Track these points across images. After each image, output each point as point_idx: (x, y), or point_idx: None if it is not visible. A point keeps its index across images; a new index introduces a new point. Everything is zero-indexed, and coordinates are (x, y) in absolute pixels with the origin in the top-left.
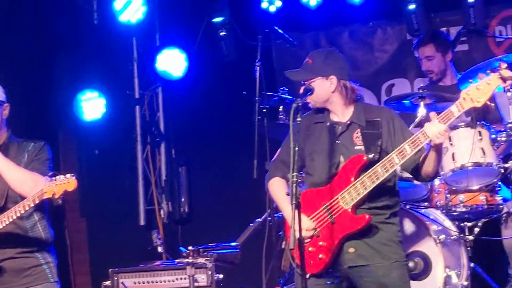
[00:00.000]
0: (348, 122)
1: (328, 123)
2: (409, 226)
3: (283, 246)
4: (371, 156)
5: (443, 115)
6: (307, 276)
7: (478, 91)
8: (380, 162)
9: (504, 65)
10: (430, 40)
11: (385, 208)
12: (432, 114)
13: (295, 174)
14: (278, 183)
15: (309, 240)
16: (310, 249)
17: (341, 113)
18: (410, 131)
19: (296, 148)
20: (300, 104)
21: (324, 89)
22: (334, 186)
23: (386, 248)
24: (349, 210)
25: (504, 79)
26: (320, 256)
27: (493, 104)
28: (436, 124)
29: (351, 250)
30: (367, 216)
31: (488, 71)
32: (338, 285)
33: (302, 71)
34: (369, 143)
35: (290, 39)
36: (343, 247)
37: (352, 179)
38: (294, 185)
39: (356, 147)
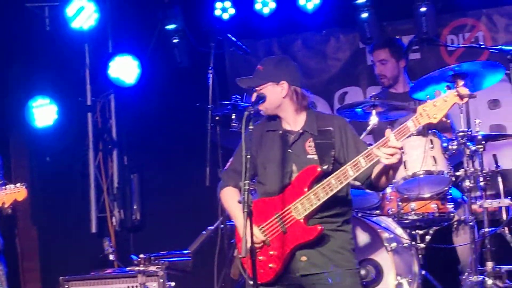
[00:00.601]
0: (301, 131)
1: (281, 132)
2: (360, 234)
3: (235, 254)
4: (325, 167)
5: (399, 131)
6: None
7: (434, 108)
8: (335, 174)
9: (461, 83)
10: (385, 45)
11: (337, 216)
12: (388, 130)
13: (247, 182)
14: (230, 192)
15: (259, 249)
16: (260, 258)
17: (293, 121)
18: (362, 141)
19: (248, 156)
20: (252, 112)
21: (275, 95)
22: (286, 196)
23: (338, 256)
24: (301, 220)
25: (461, 97)
26: (271, 265)
27: (448, 121)
28: (391, 141)
29: (304, 258)
30: (319, 227)
31: (446, 88)
32: None
33: (252, 78)
34: (322, 153)
35: (243, 46)
36: (295, 255)
37: (306, 189)
38: (246, 193)
39: (308, 156)
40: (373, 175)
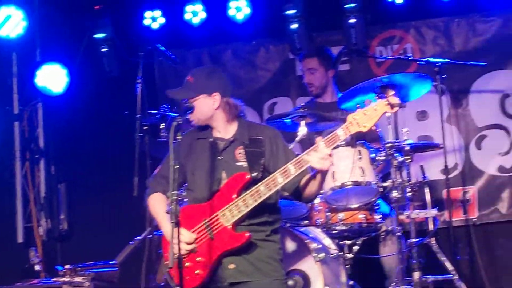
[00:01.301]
0: (231, 138)
1: (211, 139)
2: (289, 244)
3: (164, 262)
4: (254, 174)
5: (329, 139)
6: None
7: (364, 116)
8: (264, 181)
9: (392, 92)
10: (315, 54)
11: (265, 224)
12: (318, 138)
13: (174, 192)
14: (158, 198)
15: (187, 255)
16: (187, 264)
17: (224, 130)
18: (293, 152)
19: (176, 167)
20: (180, 122)
21: (208, 107)
22: (215, 203)
23: (266, 266)
24: (229, 227)
25: (391, 106)
26: (197, 271)
27: (378, 130)
28: (321, 148)
29: (232, 266)
30: (247, 234)
31: (375, 97)
32: None
33: (184, 90)
34: (252, 161)
35: (172, 56)
36: (222, 263)
37: (234, 196)
38: (174, 203)
39: (238, 163)
40: (301, 184)
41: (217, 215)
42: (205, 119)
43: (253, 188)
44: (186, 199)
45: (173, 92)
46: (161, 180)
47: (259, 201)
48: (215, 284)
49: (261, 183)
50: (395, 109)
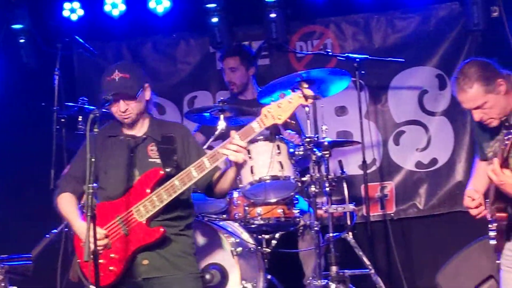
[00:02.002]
0: (144, 136)
1: (122, 137)
2: (206, 238)
3: (74, 260)
4: (168, 170)
5: (244, 131)
6: None
7: (279, 109)
8: (178, 175)
9: (306, 85)
10: (236, 53)
11: (179, 219)
12: (233, 131)
13: (91, 185)
14: (67, 198)
15: (100, 251)
16: (100, 261)
17: (137, 126)
18: (204, 150)
19: (93, 159)
20: (97, 114)
21: (143, 100)
22: (129, 199)
23: (180, 260)
24: (144, 222)
25: (306, 97)
26: (111, 268)
27: (293, 122)
28: (236, 141)
29: (145, 262)
30: (162, 229)
31: (289, 90)
32: None
33: (126, 87)
34: (165, 157)
35: (91, 48)
36: (137, 258)
37: (148, 191)
38: (90, 196)
39: (151, 160)
40: (213, 180)
41: (131, 211)
42: (140, 113)
43: (167, 183)
44: (98, 198)
45: (116, 93)
46: (71, 180)
47: (174, 195)
48: (130, 280)
49: (175, 177)
50: (310, 101)
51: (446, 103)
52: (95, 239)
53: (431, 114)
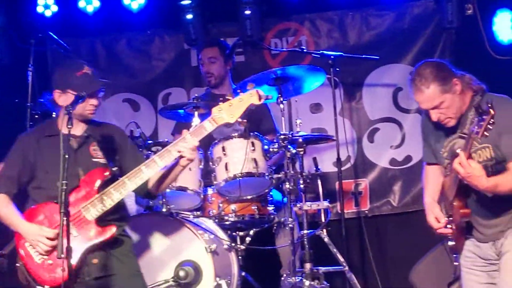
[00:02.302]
0: (86, 134)
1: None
2: (181, 235)
3: (18, 264)
4: (114, 169)
5: (195, 130)
6: None
7: (230, 107)
8: (128, 174)
9: (252, 85)
10: (215, 44)
11: (122, 220)
12: (185, 130)
13: (64, 182)
14: (3, 200)
15: (49, 252)
16: (49, 261)
17: (76, 126)
18: (139, 150)
19: (66, 156)
20: (71, 111)
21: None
22: (75, 199)
23: (127, 259)
24: (94, 221)
25: (259, 97)
26: (61, 268)
27: (245, 121)
28: (188, 139)
29: (95, 261)
30: (114, 228)
31: (238, 91)
32: None
33: (98, 80)
34: (109, 157)
35: (65, 45)
36: (86, 258)
37: (96, 190)
38: (64, 193)
39: (94, 159)
40: (155, 181)
41: (79, 210)
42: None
43: (117, 182)
44: (35, 198)
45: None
46: (6, 181)
47: (124, 194)
48: (81, 279)
49: (125, 176)
50: (262, 100)
51: None
52: (68, 236)
53: (406, 111)
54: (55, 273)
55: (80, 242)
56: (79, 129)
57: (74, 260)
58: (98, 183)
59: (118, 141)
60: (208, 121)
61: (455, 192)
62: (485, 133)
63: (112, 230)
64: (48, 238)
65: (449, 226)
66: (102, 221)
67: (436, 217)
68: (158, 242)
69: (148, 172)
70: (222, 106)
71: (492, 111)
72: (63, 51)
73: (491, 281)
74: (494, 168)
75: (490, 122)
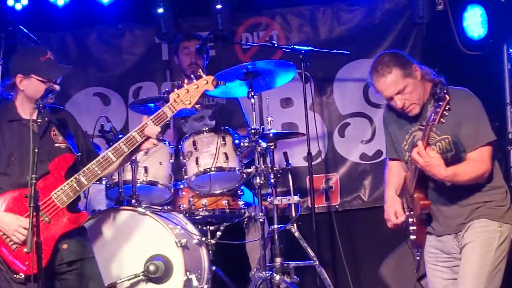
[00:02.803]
0: (47, 119)
1: (24, 121)
2: (151, 229)
3: None
4: (78, 154)
5: (156, 116)
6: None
7: (187, 94)
8: (96, 160)
9: (200, 72)
10: (195, 37)
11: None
12: (145, 117)
13: (34, 176)
14: None
15: (23, 242)
16: (25, 250)
17: (29, 109)
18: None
19: (36, 150)
20: (41, 104)
21: None
22: (44, 185)
23: (88, 244)
24: (66, 208)
25: (214, 84)
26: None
27: (199, 106)
28: (151, 126)
29: (65, 246)
30: (86, 215)
31: (192, 76)
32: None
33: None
34: (68, 141)
35: (35, 38)
36: (58, 244)
37: (64, 177)
38: (33, 187)
39: (57, 145)
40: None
41: (50, 197)
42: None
43: (86, 168)
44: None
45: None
46: None
47: (93, 180)
48: (54, 265)
49: (93, 162)
50: (214, 84)
51: None
52: (38, 229)
53: (376, 106)
54: (30, 261)
55: (54, 229)
56: (35, 114)
57: (49, 248)
58: (64, 169)
59: (72, 126)
60: (168, 107)
61: (415, 184)
62: (442, 119)
63: (84, 216)
64: (25, 228)
65: (410, 220)
66: (72, 207)
67: (396, 212)
68: (128, 236)
69: (115, 158)
70: (179, 92)
71: (447, 97)
72: (33, 44)
73: (455, 276)
74: (453, 158)
75: (446, 108)
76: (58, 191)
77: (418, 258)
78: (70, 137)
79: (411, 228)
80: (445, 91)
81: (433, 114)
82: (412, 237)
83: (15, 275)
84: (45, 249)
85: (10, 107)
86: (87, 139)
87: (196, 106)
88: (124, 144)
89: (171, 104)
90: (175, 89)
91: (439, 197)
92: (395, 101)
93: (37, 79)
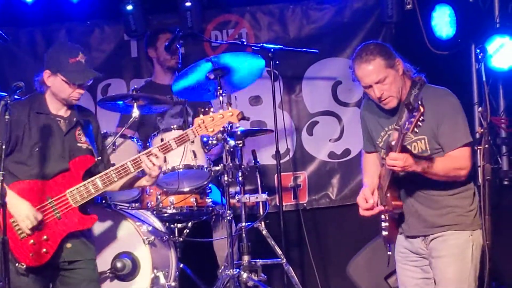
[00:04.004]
0: (75, 118)
1: (52, 116)
2: (119, 227)
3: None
4: (99, 158)
5: (179, 138)
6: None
7: (211, 122)
8: (115, 168)
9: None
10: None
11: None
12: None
13: (2, 173)
14: None
15: (31, 231)
16: (31, 241)
17: (62, 107)
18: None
19: (3, 146)
20: (9, 101)
21: None
22: (61, 182)
23: (92, 246)
24: (78, 208)
25: (239, 117)
26: (44, 250)
27: (220, 136)
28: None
29: (69, 245)
30: (95, 217)
31: (226, 105)
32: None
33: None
34: (93, 143)
35: (3, 34)
36: (62, 242)
37: (82, 178)
38: (1, 184)
39: (79, 144)
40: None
41: (64, 195)
42: None
43: (104, 173)
44: (15, 173)
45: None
46: None
47: (109, 186)
48: (56, 262)
49: (111, 169)
50: (239, 117)
51: (359, 94)
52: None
53: (345, 105)
54: (38, 253)
55: (63, 227)
56: (63, 111)
57: (55, 244)
58: (83, 170)
59: (95, 130)
60: (191, 131)
61: (388, 183)
62: (415, 129)
63: (93, 220)
64: (35, 218)
65: (383, 216)
66: (83, 208)
67: (365, 197)
68: (96, 233)
69: (134, 169)
70: (205, 118)
71: (421, 109)
72: (1, 41)
73: (425, 276)
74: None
75: (420, 119)
76: (74, 190)
77: (390, 253)
78: (92, 141)
79: (383, 224)
80: (419, 102)
81: (407, 123)
82: (384, 233)
83: (17, 264)
84: (50, 244)
85: (40, 100)
86: (105, 148)
87: (218, 135)
88: (145, 156)
89: (195, 128)
90: (201, 114)
91: (410, 198)
92: (374, 90)
93: (62, 79)
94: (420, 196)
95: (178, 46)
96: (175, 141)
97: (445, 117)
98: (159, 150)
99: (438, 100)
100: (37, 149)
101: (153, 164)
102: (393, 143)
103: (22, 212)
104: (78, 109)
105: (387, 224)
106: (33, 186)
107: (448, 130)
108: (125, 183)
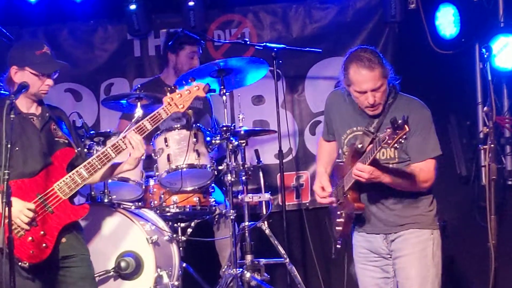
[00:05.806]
0: (47, 114)
1: (24, 115)
2: (122, 226)
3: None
4: (79, 149)
5: (152, 117)
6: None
7: (180, 98)
8: (96, 155)
9: (193, 80)
10: (198, 41)
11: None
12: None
13: (7, 172)
14: None
15: (28, 226)
16: (30, 238)
17: (31, 105)
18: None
19: (9, 146)
20: (14, 100)
21: None
22: (48, 177)
23: (84, 242)
24: (67, 200)
25: (205, 90)
26: (44, 245)
27: (191, 111)
28: (147, 125)
29: (64, 240)
30: (87, 207)
31: (189, 80)
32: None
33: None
34: (70, 136)
35: (7, 33)
36: (59, 236)
37: (65, 169)
38: (6, 183)
39: (56, 139)
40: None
41: (53, 189)
42: None
43: (87, 162)
44: None
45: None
46: None
47: (94, 174)
48: (54, 258)
49: (93, 157)
50: (206, 91)
51: None
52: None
53: None
54: (38, 249)
55: (57, 220)
56: (33, 108)
57: (53, 238)
58: (66, 162)
59: (67, 124)
60: (162, 109)
61: (352, 185)
62: (396, 145)
63: (85, 209)
64: (29, 210)
65: (339, 212)
66: (71, 200)
67: (322, 186)
68: (100, 232)
69: (114, 154)
70: (173, 96)
71: (406, 128)
72: (5, 40)
73: (385, 275)
74: (396, 167)
75: (403, 137)
76: (61, 182)
77: (339, 246)
78: (68, 134)
79: (338, 220)
80: (406, 121)
81: (387, 137)
82: (338, 228)
83: (19, 263)
84: (49, 238)
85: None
86: (80, 140)
87: (188, 111)
88: (122, 141)
89: (165, 106)
90: (168, 93)
91: (371, 200)
92: (369, 96)
93: (31, 72)
94: (382, 196)
95: (198, 57)
96: (148, 121)
97: (416, 129)
98: (135, 132)
99: (411, 112)
100: (16, 148)
101: (132, 146)
102: (360, 146)
103: (14, 209)
104: (48, 107)
105: (342, 220)
106: (20, 186)
107: (418, 142)
108: (106, 172)
